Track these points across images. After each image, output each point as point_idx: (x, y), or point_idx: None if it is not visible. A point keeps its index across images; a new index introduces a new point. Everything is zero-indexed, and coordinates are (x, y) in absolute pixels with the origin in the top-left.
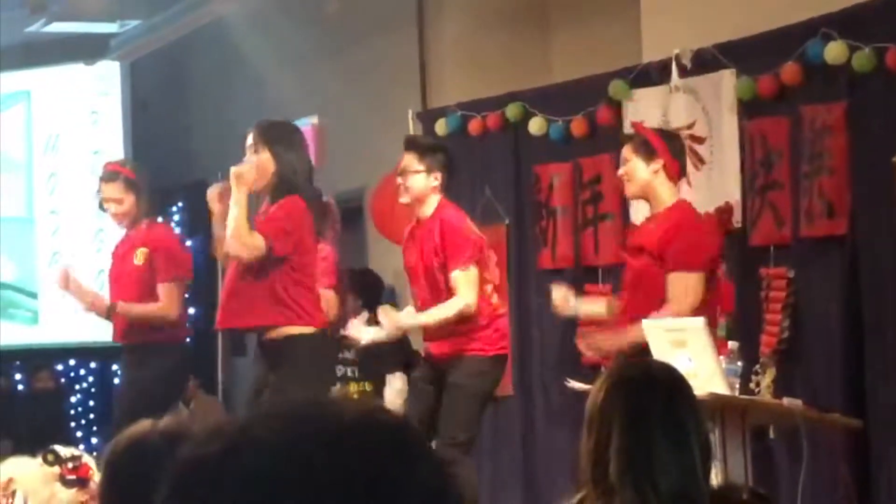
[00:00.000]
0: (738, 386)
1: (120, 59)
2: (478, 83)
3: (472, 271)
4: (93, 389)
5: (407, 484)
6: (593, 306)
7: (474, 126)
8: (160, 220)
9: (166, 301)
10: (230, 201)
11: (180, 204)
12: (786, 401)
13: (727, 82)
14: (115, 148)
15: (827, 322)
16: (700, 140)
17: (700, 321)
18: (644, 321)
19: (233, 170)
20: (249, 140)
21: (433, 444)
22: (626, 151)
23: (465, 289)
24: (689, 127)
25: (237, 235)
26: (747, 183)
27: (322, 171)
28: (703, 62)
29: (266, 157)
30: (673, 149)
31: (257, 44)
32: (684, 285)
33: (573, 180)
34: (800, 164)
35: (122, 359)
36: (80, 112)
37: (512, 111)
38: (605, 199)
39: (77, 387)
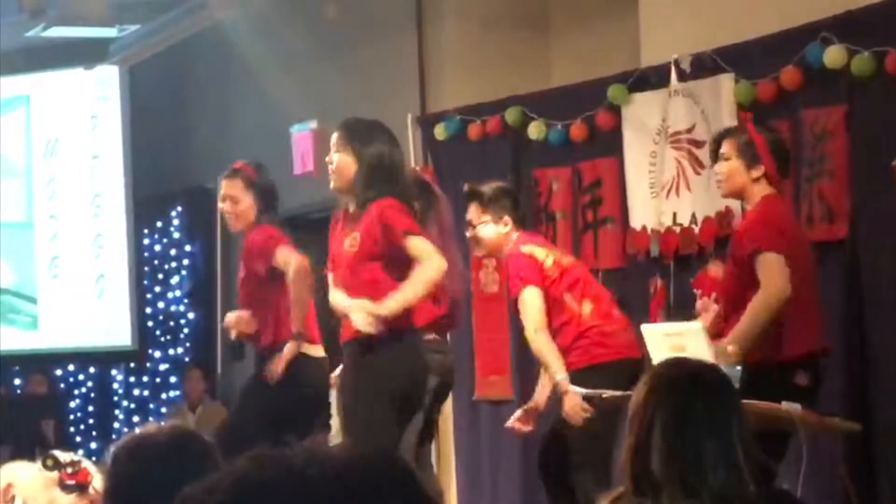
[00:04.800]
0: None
1: (119, 63)
2: (477, 87)
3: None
4: (92, 394)
5: None
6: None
7: (473, 130)
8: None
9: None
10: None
11: (179, 208)
12: (784, 405)
13: (726, 86)
14: (114, 153)
15: (827, 326)
16: (699, 144)
17: (699, 325)
18: (643, 326)
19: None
20: (333, 139)
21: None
22: (728, 148)
23: (530, 310)
24: (689, 131)
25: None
26: None
27: (322, 175)
28: (702, 66)
29: (347, 156)
30: (777, 155)
31: (257, 48)
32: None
33: (572, 185)
34: (800, 169)
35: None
36: (80, 117)
37: (511, 115)
38: (605, 203)
39: (76, 392)
